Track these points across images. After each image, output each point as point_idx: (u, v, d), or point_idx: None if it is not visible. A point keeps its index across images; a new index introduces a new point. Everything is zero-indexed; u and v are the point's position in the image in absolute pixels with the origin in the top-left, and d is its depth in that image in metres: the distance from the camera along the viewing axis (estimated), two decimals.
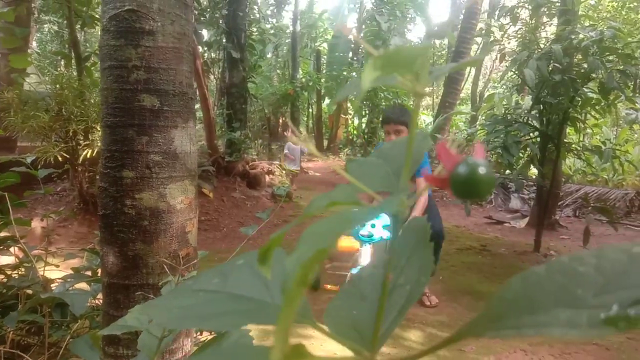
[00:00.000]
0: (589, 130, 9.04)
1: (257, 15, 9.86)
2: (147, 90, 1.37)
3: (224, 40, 7.01)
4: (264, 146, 10.56)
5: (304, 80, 10.89)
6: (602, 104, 4.80)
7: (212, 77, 9.13)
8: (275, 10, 12.58)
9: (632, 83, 4.71)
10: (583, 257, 0.24)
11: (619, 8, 15.23)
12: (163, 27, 1.38)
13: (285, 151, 7.53)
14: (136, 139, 1.37)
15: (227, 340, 0.71)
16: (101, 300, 1.52)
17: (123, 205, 1.38)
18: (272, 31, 12.09)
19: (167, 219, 1.41)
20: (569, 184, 8.21)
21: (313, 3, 17.26)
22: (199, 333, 1.68)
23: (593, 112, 5.28)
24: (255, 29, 9.33)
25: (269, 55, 14.51)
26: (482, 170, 0.28)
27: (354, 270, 3.24)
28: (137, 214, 1.38)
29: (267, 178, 7.13)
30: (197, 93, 6.70)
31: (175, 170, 1.42)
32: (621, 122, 9.06)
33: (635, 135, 11.29)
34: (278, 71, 15.82)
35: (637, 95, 4.64)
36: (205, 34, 8.84)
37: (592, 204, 7.16)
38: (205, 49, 8.35)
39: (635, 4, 15.27)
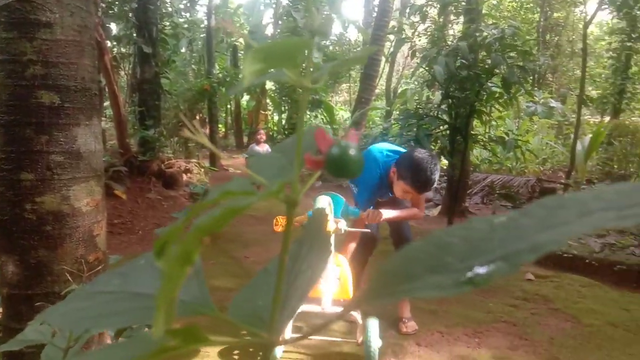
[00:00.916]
0: (493, 122, 9.64)
1: (170, 9, 9.54)
2: (45, 86, 1.29)
3: (135, 35, 6.71)
4: (181, 144, 10.26)
5: (220, 75, 10.69)
6: (505, 97, 5.14)
7: (122, 72, 8.72)
8: (188, 4, 12.22)
9: (531, 78, 5.09)
10: (454, 229, 0.27)
11: (518, 8, 16.31)
12: (62, 19, 1.30)
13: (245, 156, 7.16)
14: (34, 139, 1.28)
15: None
16: (1, 314, 1.42)
17: (22, 210, 1.29)
18: (185, 25, 11.74)
19: (72, 223, 1.33)
20: (477, 173, 8.70)
21: None
22: (115, 340, 1.61)
23: (497, 105, 5.64)
24: (167, 23, 9.02)
25: (183, 50, 14.08)
26: (351, 151, 0.32)
27: None
28: (38, 218, 1.29)
29: (185, 177, 6.93)
30: (107, 90, 6.37)
31: (80, 170, 1.34)
32: (522, 114, 9.76)
33: (535, 126, 12.19)
34: (193, 66, 15.40)
35: (536, 89, 5.02)
36: (114, 27, 8.42)
37: (497, 192, 7.66)
38: (114, 43, 7.95)
39: (531, 4, 16.46)
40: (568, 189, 8.67)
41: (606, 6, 9.59)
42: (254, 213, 6.23)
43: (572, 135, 10.50)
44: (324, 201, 2.48)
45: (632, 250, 4.61)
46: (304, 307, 2.29)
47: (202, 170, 7.58)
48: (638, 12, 11.01)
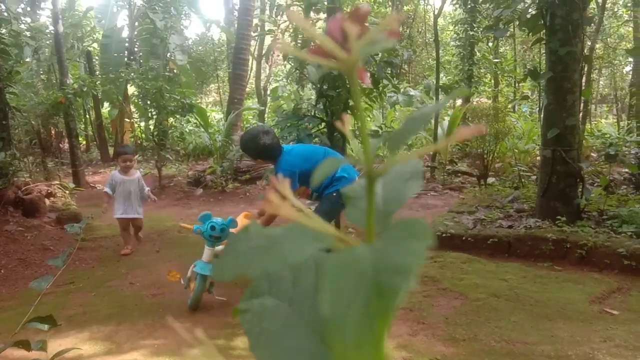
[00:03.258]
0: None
1: (6, 14, 8.48)
2: None
3: None
4: (37, 164, 9.22)
5: (76, 85, 9.77)
6: (374, 93, 5.37)
7: None
8: (29, 9, 10.99)
9: (393, 71, 5.35)
10: None
11: (372, 2, 17.10)
12: None
13: (105, 189, 5.07)
14: None
15: None
16: None
17: None
18: (28, 33, 10.55)
19: None
20: (357, 166, 9.00)
21: (75, 0, 15.61)
22: None
23: (367, 100, 5.87)
24: (5, 31, 8.02)
25: (28, 60, 12.67)
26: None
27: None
28: None
29: (48, 202, 6.24)
30: None
31: None
32: (385, 104, 10.31)
33: (397, 114, 12.94)
34: (42, 77, 13.93)
35: (398, 81, 5.29)
36: None
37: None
38: None
39: None
40: (434, 170, 9.36)
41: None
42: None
43: (432, 121, 11.33)
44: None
45: (500, 223, 5.08)
46: None
47: (67, 192, 6.88)
48: (476, 4, 12.17)
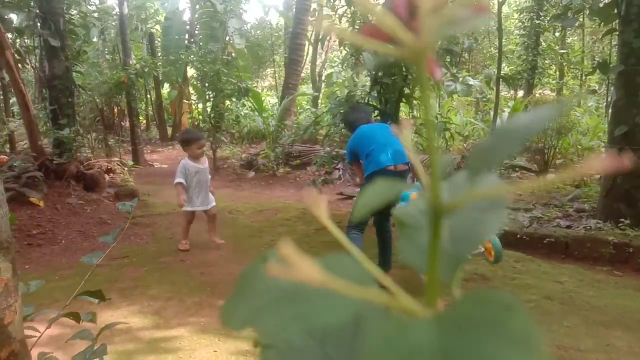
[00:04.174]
0: (416, 104, 9.86)
1: None
2: None
3: (39, 26, 6.15)
4: (99, 141, 9.64)
5: (138, 66, 10.10)
6: (432, 81, 5.22)
7: (28, 67, 8.01)
8: None
9: (453, 59, 5.18)
10: None
11: None
12: None
13: (178, 180, 4.41)
14: None
15: None
16: None
17: None
18: (96, 14, 10.97)
19: None
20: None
21: None
22: None
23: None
24: (75, 12, 8.37)
25: (94, 40, 13.21)
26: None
27: None
28: None
29: (107, 177, 6.52)
30: (13, 89, 5.81)
31: None
32: (442, 92, 10.04)
33: (455, 103, 12.60)
34: (107, 57, 14.50)
35: (457, 70, 5.12)
36: (14, 18, 7.69)
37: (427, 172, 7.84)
38: (16, 35, 7.27)
39: None
40: None
41: None
42: None
43: (490, 112, 10.94)
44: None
45: (558, 223, 4.86)
46: None
47: (126, 168, 7.15)
48: None
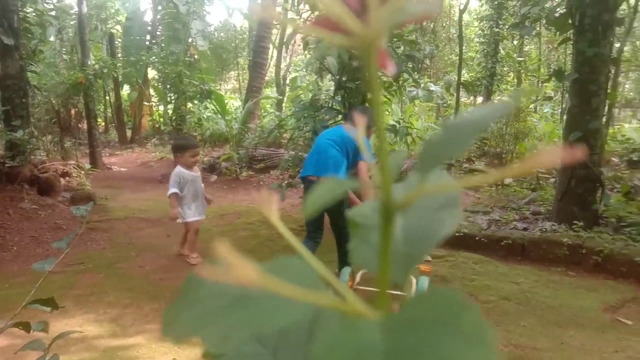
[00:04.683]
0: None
1: None
2: None
3: None
4: (55, 143, 9.32)
5: (97, 67, 9.82)
6: (394, 86, 5.29)
7: None
8: None
9: (415, 65, 5.26)
10: None
11: None
12: None
13: (172, 190, 4.08)
14: None
15: None
16: None
17: None
18: (53, 12, 10.62)
19: None
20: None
21: None
22: None
23: (386, 93, 5.79)
24: (31, 10, 8.08)
25: (51, 39, 12.80)
26: None
27: None
28: None
29: (63, 181, 6.30)
30: None
31: None
32: (404, 98, 10.19)
33: (416, 108, 12.80)
34: (65, 57, 14.07)
35: (418, 76, 5.21)
36: None
37: None
38: None
39: None
40: (451, 168, 9.24)
41: None
42: (144, 215, 5.85)
43: (451, 117, 11.17)
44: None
45: (515, 225, 4.99)
46: None
47: (82, 172, 6.93)
48: (503, 0, 11.95)
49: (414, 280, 2.86)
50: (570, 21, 4.86)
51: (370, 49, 0.24)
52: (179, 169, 4.19)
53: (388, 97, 6.09)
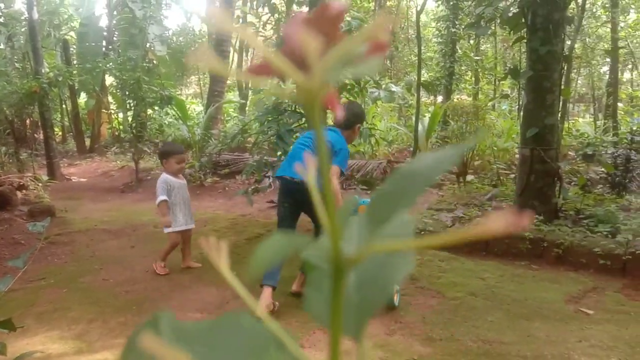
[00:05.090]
0: None
1: None
2: None
3: None
4: (10, 155, 8.98)
5: (51, 75, 9.53)
6: (356, 88, 5.32)
7: None
8: None
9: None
10: None
11: None
12: None
13: (162, 197, 4.03)
14: None
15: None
16: None
17: None
18: (1, 19, 10.23)
19: None
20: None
21: None
22: None
23: (349, 95, 5.83)
24: None
25: (1, 47, 12.32)
26: None
27: None
28: None
29: (20, 194, 6.07)
30: None
31: None
32: (366, 99, 10.29)
33: (379, 109, 12.93)
34: (17, 65, 13.56)
35: (379, 77, 5.26)
36: None
37: (356, 177, 7.99)
38: None
39: None
40: None
41: None
42: (106, 226, 5.70)
43: (412, 117, 11.34)
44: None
45: (478, 221, 5.09)
46: None
47: (40, 184, 6.70)
48: (458, 1, 12.20)
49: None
50: (523, 20, 5.01)
51: (314, 101, 0.24)
52: (164, 175, 4.12)
53: (351, 99, 6.13)
